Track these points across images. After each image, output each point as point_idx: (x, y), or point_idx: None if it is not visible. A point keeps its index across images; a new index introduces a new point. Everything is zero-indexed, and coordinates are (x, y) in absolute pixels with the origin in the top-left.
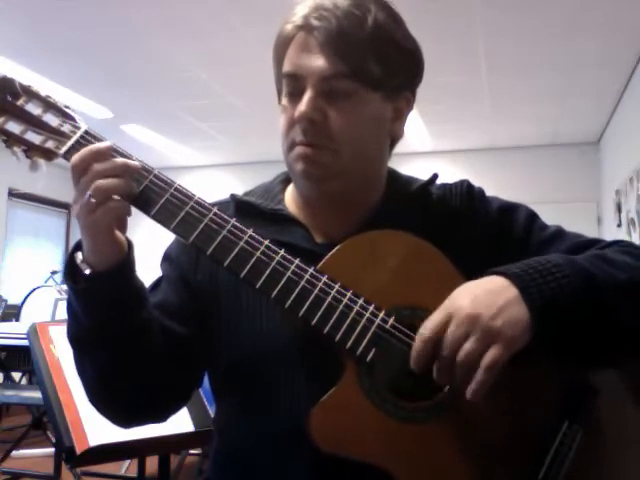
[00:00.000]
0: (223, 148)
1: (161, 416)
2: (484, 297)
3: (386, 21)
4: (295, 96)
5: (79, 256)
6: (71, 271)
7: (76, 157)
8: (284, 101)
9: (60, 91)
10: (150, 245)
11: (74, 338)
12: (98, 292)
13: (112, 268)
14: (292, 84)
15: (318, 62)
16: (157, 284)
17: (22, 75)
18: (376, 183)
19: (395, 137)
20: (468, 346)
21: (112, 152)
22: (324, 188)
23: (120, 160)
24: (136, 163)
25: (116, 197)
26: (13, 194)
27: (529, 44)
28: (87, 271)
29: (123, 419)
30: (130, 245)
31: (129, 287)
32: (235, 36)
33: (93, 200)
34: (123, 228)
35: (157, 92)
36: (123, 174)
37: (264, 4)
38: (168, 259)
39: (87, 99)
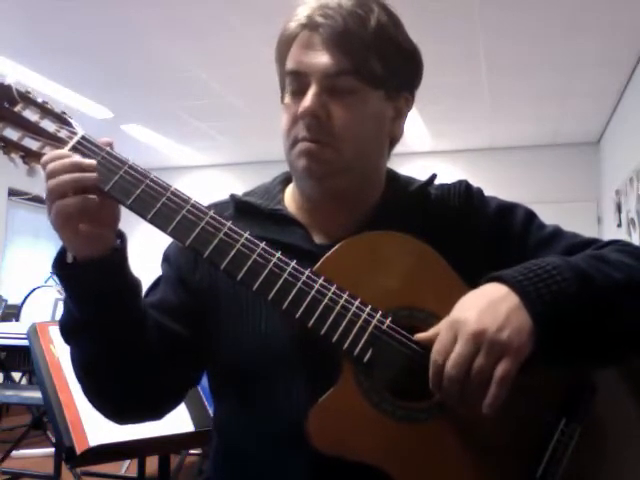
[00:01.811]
0: (223, 148)
1: (154, 413)
2: (487, 309)
3: (388, 23)
4: (298, 93)
5: None
6: (61, 258)
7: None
8: (287, 99)
9: (60, 91)
10: (148, 246)
11: (62, 326)
12: (81, 281)
13: (92, 260)
14: (296, 81)
15: (322, 59)
16: (156, 284)
17: (22, 75)
18: (376, 183)
19: (394, 137)
20: (478, 363)
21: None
22: (326, 186)
23: (67, 160)
24: (88, 161)
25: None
26: (13, 194)
27: (529, 44)
28: (69, 259)
29: (113, 413)
30: (123, 239)
31: (116, 280)
32: (235, 36)
33: (47, 198)
34: (102, 223)
35: (157, 92)
36: (73, 171)
37: (264, 4)
38: (167, 260)
39: (87, 99)
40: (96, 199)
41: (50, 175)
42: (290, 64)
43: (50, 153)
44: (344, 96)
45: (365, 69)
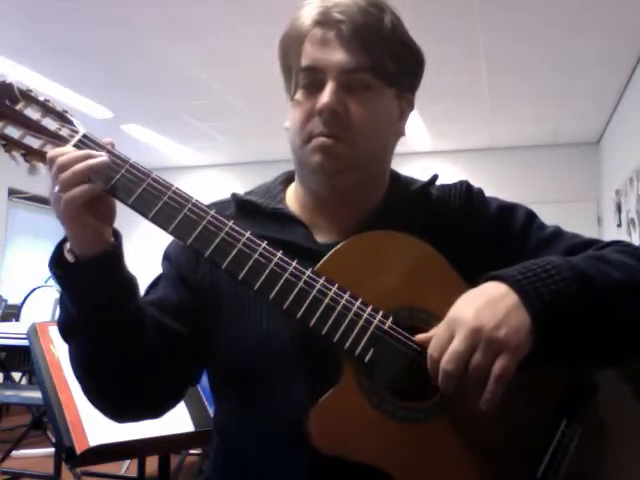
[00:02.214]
0: (223, 148)
1: (154, 412)
2: (485, 307)
3: (398, 23)
4: (312, 90)
5: (67, 246)
6: (58, 259)
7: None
8: (298, 95)
9: (60, 91)
10: (148, 245)
11: (60, 326)
12: (80, 281)
13: (94, 257)
14: (310, 78)
15: (339, 56)
16: (156, 282)
17: (22, 75)
18: (381, 182)
19: (398, 136)
20: (476, 359)
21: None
22: (336, 182)
23: (79, 152)
24: (97, 152)
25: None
26: (13, 193)
27: (529, 44)
28: (69, 258)
29: (113, 412)
30: (117, 236)
31: (114, 278)
32: (235, 36)
33: (59, 191)
34: (102, 217)
35: (157, 92)
36: (86, 159)
37: (264, 4)
38: (167, 258)
39: (87, 99)
40: (101, 186)
41: (62, 168)
42: (305, 61)
43: (56, 149)
44: (359, 92)
45: (381, 66)
